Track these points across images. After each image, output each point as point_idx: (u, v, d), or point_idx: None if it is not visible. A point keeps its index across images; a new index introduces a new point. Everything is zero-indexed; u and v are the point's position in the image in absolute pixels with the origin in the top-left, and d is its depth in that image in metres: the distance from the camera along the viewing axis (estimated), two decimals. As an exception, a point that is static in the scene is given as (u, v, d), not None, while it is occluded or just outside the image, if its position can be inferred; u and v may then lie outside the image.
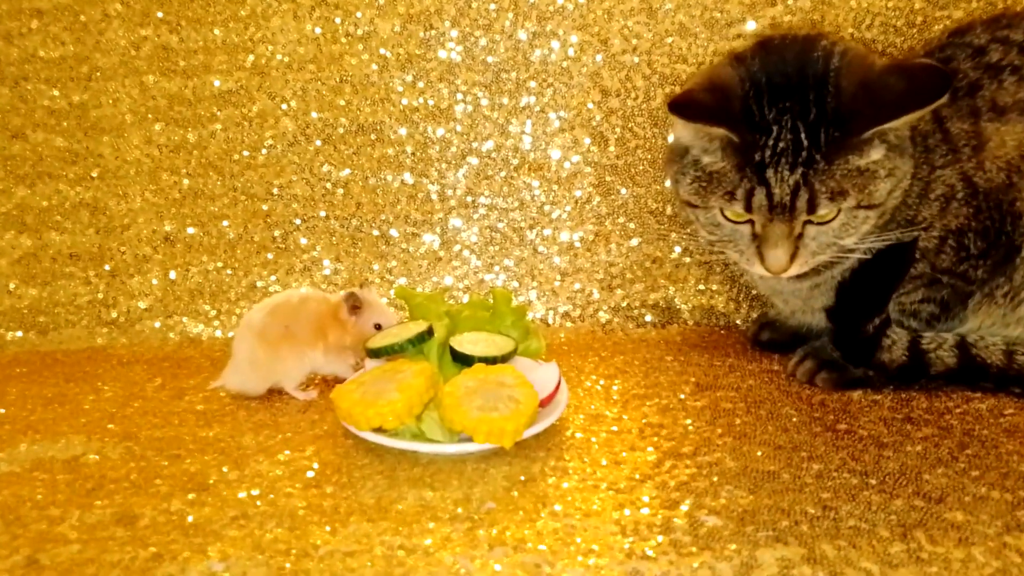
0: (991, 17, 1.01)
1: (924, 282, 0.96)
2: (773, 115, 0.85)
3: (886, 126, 0.84)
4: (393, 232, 1.20)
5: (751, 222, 0.88)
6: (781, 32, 1.04)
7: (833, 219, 0.86)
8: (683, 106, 0.87)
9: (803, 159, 0.84)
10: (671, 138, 0.95)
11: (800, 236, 0.87)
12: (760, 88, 0.86)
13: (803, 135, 0.84)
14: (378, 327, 0.96)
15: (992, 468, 0.79)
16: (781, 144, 0.84)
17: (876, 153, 0.85)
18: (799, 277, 0.94)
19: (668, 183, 0.99)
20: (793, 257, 0.87)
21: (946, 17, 1.13)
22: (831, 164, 0.84)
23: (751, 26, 1.14)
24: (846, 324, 0.95)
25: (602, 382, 1.01)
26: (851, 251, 0.89)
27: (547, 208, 1.19)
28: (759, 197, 0.85)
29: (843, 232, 0.87)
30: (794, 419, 0.90)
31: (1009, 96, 0.92)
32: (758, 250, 0.88)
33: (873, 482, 0.77)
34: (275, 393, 0.98)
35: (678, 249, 1.19)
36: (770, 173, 0.84)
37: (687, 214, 0.95)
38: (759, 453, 0.82)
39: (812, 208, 0.85)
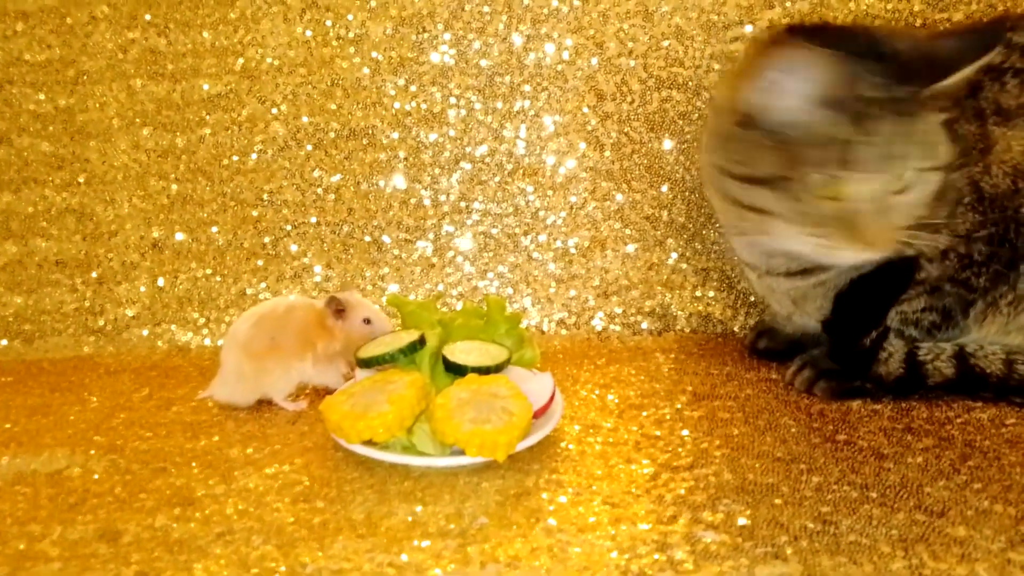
0: (992, 20, 1.00)
1: (926, 289, 0.94)
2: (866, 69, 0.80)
3: (948, 81, 0.80)
4: (385, 238, 1.18)
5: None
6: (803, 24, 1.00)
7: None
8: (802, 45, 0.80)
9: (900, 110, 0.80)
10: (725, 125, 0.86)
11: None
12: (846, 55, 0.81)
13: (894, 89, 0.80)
14: (367, 321, 0.95)
15: (994, 480, 0.77)
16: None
17: (935, 117, 0.82)
18: (802, 274, 0.92)
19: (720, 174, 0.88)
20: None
21: (946, 20, 1.12)
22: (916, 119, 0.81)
23: (748, 29, 1.12)
24: (842, 337, 0.94)
25: (597, 392, 0.99)
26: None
27: (542, 214, 1.18)
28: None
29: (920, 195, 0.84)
30: (792, 430, 0.88)
31: (1012, 99, 0.91)
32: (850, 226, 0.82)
33: (873, 495, 0.75)
34: (264, 404, 0.97)
35: (675, 255, 1.17)
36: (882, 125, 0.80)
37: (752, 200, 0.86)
38: (757, 465, 0.81)
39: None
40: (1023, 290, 0.93)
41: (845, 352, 0.94)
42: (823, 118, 0.80)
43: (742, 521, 0.72)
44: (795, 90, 0.80)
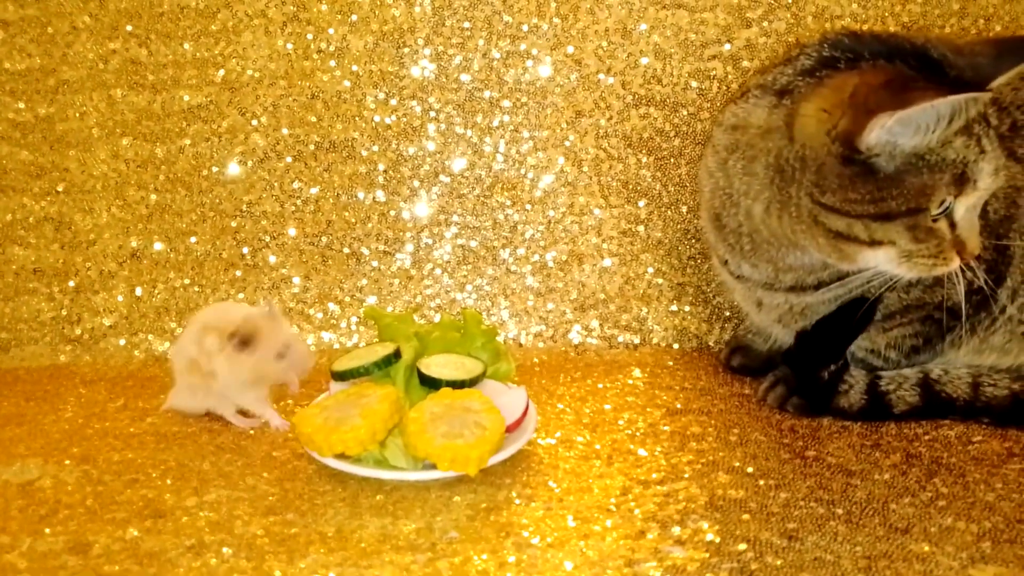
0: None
1: (920, 316, 0.95)
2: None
3: (996, 83, 0.82)
4: (364, 250, 1.18)
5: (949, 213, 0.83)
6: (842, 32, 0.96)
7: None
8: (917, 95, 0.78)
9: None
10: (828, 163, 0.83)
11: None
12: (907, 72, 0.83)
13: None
14: (280, 356, 0.92)
15: (959, 498, 0.78)
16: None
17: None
18: (816, 288, 0.93)
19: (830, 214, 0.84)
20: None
21: (920, 41, 1.14)
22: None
23: (727, 48, 1.14)
24: (800, 369, 0.96)
25: (572, 405, 1.00)
26: None
27: (520, 228, 1.19)
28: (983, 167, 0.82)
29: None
30: (763, 445, 0.89)
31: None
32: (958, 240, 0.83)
33: (840, 512, 0.76)
34: (239, 416, 0.97)
35: (651, 270, 1.18)
36: (986, 142, 0.83)
37: (880, 235, 0.84)
38: (727, 481, 0.82)
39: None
40: (997, 311, 0.95)
41: (807, 384, 0.96)
42: (953, 145, 0.81)
43: (710, 537, 0.72)
44: (924, 128, 0.80)
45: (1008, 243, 0.92)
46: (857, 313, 0.92)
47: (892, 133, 0.79)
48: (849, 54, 0.85)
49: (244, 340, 0.90)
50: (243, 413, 0.95)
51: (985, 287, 0.90)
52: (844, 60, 0.85)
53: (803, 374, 0.96)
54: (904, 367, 0.97)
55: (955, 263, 0.84)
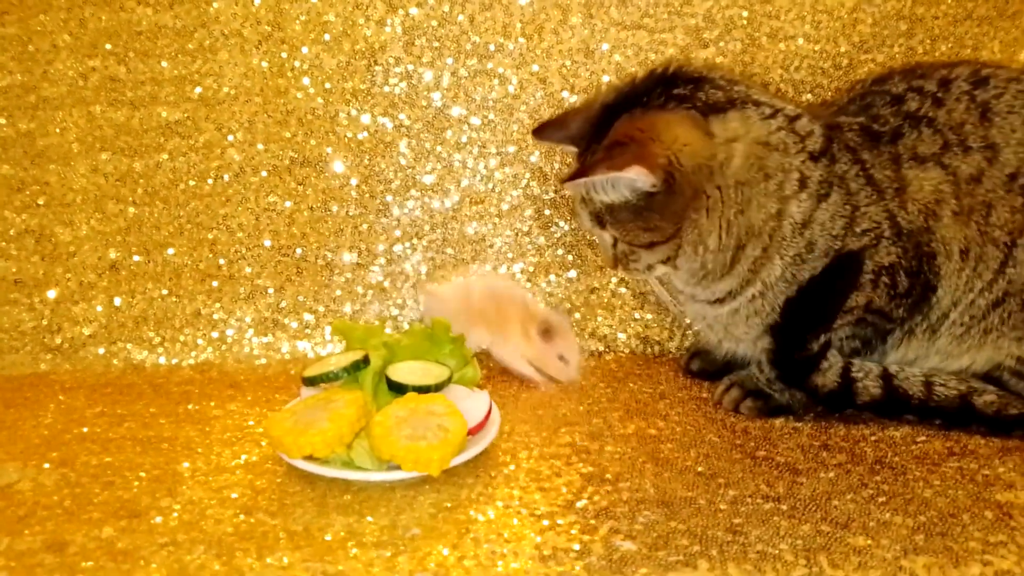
0: (906, 67, 1.07)
1: (853, 319, 0.99)
2: None
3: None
4: (337, 262, 1.22)
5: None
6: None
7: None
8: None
9: None
10: None
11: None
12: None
13: None
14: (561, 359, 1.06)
15: (898, 494, 0.83)
16: None
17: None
18: (718, 302, 0.99)
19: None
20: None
21: (870, 60, 1.19)
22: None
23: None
24: (791, 338, 0.98)
25: (536, 409, 1.03)
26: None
27: (488, 240, 1.23)
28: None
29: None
30: (716, 446, 0.93)
31: (926, 147, 0.97)
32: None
33: (784, 508, 0.80)
34: (215, 421, 1.00)
35: (614, 280, 1.22)
36: None
37: None
38: (679, 479, 0.85)
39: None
40: (935, 319, 0.99)
41: (789, 356, 0.99)
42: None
43: (659, 531, 0.76)
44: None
45: (930, 251, 0.97)
46: (840, 273, 0.97)
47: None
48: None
49: (547, 331, 1.06)
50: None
51: (911, 293, 0.97)
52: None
53: (791, 343, 0.98)
54: None
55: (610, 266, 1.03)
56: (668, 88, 0.95)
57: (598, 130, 0.97)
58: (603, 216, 0.97)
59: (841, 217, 0.95)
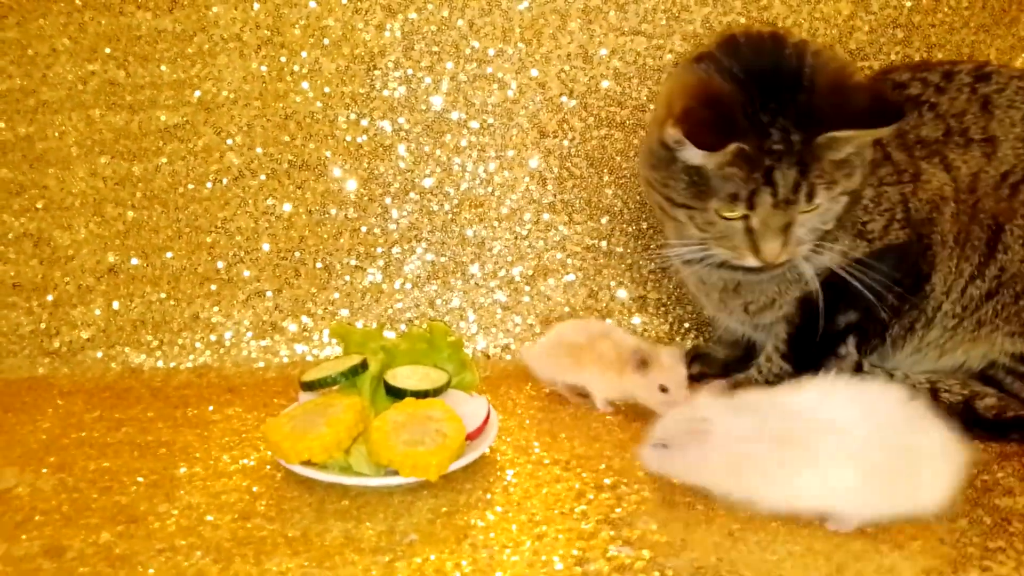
0: (912, 63, 1.08)
1: (860, 305, 0.98)
2: (767, 118, 0.86)
3: (843, 134, 0.86)
4: (336, 265, 1.22)
5: (746, 217, 0.89)
6: (742, 29, 1.05)
7: (820, 206, 0.89)
8: (700, 135, 0.86)
9: (798, 157, 0.86)
10: (653, 144, 0.93)
11: (789, 225, 0.89)
12: (752, 92, 0.87)
13: (792, 134, 0.86)
14: (663, 389, 0.98)
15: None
16: (779, 146, 0.86)
17: (849, 147, 0.88)
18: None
19: (648, 186, 0.97)
20: (784, 245, 0.90)
21: (867, 67, 1.19)
22: (820, 159, 0.87)
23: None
24: (825, 310, 0.97)
25: (534, 414, 1.03)
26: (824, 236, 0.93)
27: (488, 243, 1.23)
28: (763, 197, 0.87)
29: (826, 217, 0.91)
30: (714, 452, 0.93)
31: (929, 131, 0.98)
32: (752, 243, 0.90)
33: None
34: (213, 425, 1.00)
35: (613, 283, 1.23)
36: (777, 175, 0.86)
37: (674, 214, 0.94)
38: (677, 485, 0.85)
39: (810, 199, 0.88)
40: (931, 312, 1.01)
41: (811, 335, 0.99)
42: (727, 173, 0.87)
43: (657, 537, 0.76)
44: (697, 153, 0.87)
45: (929, 243, 0.98)
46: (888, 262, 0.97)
47: (678, 143, 0.88)
48: (722, 60, 0.91)
49: (642, 363, 0.99)
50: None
51: (903, 283, 0.97)
52: (714, 63, 0.91)
53: (815, 320, 0.98)
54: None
55: (750, 260, 0.91)
56: None
57: None
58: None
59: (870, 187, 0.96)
